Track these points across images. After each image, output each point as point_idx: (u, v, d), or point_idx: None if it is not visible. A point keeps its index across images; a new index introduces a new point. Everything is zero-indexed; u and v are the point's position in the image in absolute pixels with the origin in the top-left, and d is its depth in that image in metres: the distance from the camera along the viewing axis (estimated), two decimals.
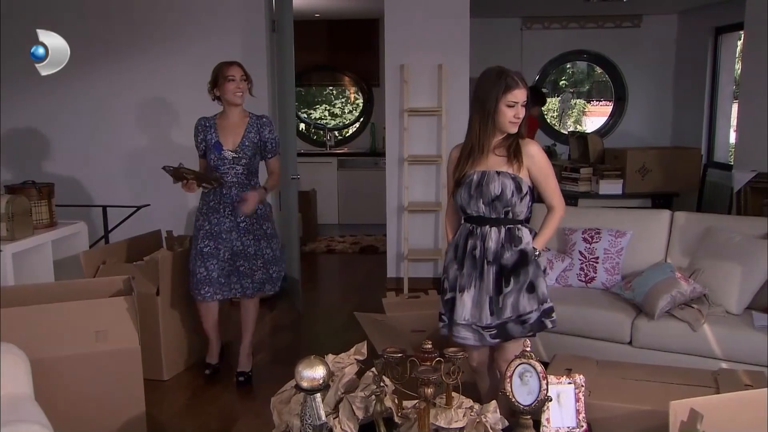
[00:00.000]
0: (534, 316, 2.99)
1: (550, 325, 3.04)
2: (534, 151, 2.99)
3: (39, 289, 3.58)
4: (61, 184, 4.84)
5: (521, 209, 2.99)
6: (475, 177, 2.98)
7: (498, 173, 2.95)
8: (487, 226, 2.99)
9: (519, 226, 3.01)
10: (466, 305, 3.01)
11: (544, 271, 3.09)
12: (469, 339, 3.02)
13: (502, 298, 2.96)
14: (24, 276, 4.14)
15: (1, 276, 3.88)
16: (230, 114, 4.00)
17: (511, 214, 2.98)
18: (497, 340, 3.02)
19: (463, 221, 3.10)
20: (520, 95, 2.91)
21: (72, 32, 5.85)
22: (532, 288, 2.99)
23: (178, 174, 3.78)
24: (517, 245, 2.98)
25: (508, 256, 2.97)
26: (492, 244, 2.98)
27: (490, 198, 2.94)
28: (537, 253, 3.00)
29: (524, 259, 2.98)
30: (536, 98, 6.62)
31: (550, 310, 3.04)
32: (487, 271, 2.98)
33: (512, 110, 2.91)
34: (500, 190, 2.93)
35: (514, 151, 2.96)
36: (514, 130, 2.96)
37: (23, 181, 4.48)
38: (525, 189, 2.97)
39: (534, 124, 6.54)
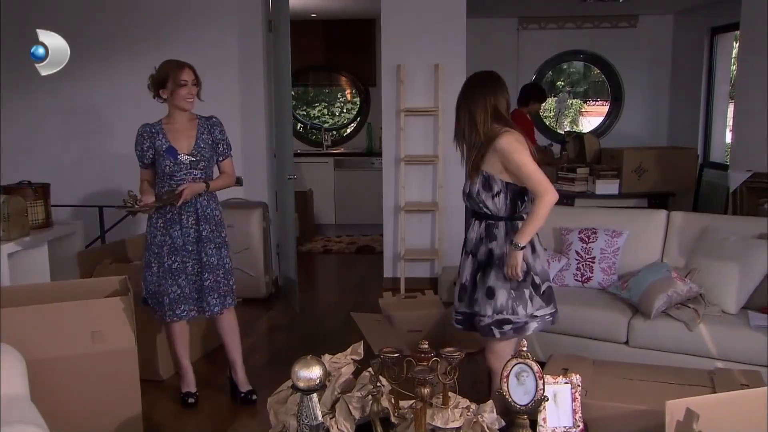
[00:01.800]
0: (486, 321, 3.04)
1: (497, 335, 3.04)
2: (499, 145, 2.95)
3: (35, 289, 3.57)
4: (57, 184, 4.83)
5: (496, 206, 3.02)
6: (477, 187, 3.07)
7: (475, 171, 3.02)
8: (473, 219, 3.13)
9: (498, 222, 3.03)
10: (457, 291, 3.19)
11: (534, 283, 3.04)
12: (457, 322, 3.21)
13: (477, 290, 3.06)
14: (20, 276, 4.14)
15: None
16: (178, 118, 3.65)
17: (487, 210, 3.03)
18: (460, 327, 3.18)
19: None
20: None
21: (66, 33, 5.87)
22: (491, 294, 3.02)
23: (142, 209, 3.47)
24: (490, 241, 3.04)
25: (482, 252, 3.06)
26: (473, 235, 3.11)
27: (464, 194, 3.10)
28: (520, 245, 2.94)
29: (490, 260, 3.03)
30: (533, 95, 6.50)
31: (504, 322, 3.02)
32: (465, 259, 3.13)
33: None
34: (468, 188, 3.05)
35: (487, 148, 2.99)
36: None
37: (19, 181, 4.47)
38: (496, 187, 3.00)
39: (528, 123, 6.35)
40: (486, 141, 3.00)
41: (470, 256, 3.12)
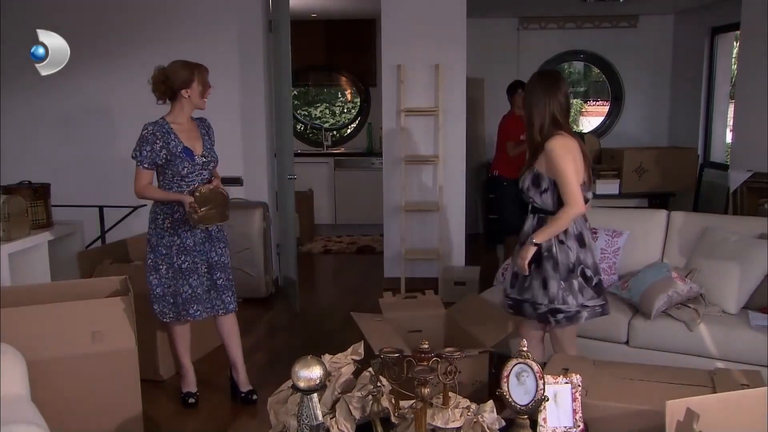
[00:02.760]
0: (542, 309, 3.26)
1: (553, 323, 3.29)
2: (549, 147, 3.17)
3: (35, 289, 3.57)
4: (58, 184, 4.83)
5: (544, 202, 3.23)
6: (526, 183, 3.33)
7: (528, 167, 3.27)
8: (528, 212, 3.33)
9: (548, 216, 3.23)
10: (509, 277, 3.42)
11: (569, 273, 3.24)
12: (508, 306, 3.43)
13: (529, 278, 3.25)
14: (20, 276, 4.14)
15: None
16: (185, 118, 3.66)
17: (537, 204, 3.26)
18: (511, 311, 3.43)
19: None
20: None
21: (66, 32, 5.87)
22: (545, 284, 3.24)
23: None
24: None
25: None
26: (527, 227, 3.30)
27: (519, 188, 3.33)
28: (535, 242, 3.19)
29: (539, 253, 3.22)
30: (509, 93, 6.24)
31: (557, 311, 3.25)
32: (519, 249, 3.29)
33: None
34: (521, 184, 3.30)
35: (540, 148, 3.22)
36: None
37: (19, 181, 4.47)
38: (544, 184, 3.21)
39: (518, 124, 5.90)
40: (541, 140, 3.21)
41: (521, 245, 3.32)
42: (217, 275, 3.71)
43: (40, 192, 4.39)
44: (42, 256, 4.39)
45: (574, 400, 2.65)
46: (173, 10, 5.87)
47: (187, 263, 3.64)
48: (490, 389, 3.49)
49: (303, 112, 10.04)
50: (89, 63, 5.80)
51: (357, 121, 9.76)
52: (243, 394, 3.88)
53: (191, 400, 3.88)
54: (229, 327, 3.85)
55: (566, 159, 3.14)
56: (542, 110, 3.21)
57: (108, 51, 5.89)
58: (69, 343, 3.14)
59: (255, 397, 3.86)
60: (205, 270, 3.69)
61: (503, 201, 6.10)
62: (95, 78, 5.94)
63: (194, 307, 3.67)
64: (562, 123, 3.23)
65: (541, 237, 3.18)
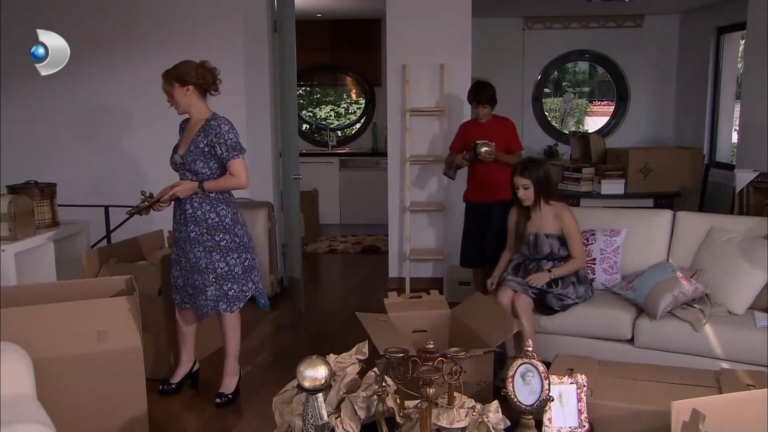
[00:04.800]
0: (569, 302, 4.03)
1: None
2: (565, 216, 4.09)
3: (41, 288, 3.58)
4: (63, 184, 4.84)
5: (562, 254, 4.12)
6: (531, 239, 4.12)
7: (547, 236, 4.07)
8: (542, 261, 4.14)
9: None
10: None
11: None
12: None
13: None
14: (26, 276, 4.15)
15: (3, 276, 3.88)
16: (191, 118, 3.76)
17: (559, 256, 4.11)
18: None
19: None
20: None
21: (72, 32, 5.87)
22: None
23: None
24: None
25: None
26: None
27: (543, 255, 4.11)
28: (552, 274, 3.99)
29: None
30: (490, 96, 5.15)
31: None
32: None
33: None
34: (549, 250, 4.08)
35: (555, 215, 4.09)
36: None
37: (25, 180, 4.48)
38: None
39: (511, 128, 5.23)
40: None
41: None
42: (195, 276, 3.71)
43: (46, 192, 4.40)
44: (48, 255, 4.40)
45: (579, 400, 2.65)
46: (178, 11, 5.88)
47: (175, 254, 3.83)
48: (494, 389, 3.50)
49: (308, 113, 10.04)
50: (95, 63, 5.82)
51: (362, 121, 9.77)
52: (218, 392, 3.89)
53: (161, 387, 3.93)
54: (223, 330, 3.87)
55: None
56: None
57: (112, 51, 5.90)
58: (74, 342, 3.15)
59: (219, 401, 3.82)
60: (188, 267, 3.73)
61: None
62: (101, 78, 5.95)
63: (177, 297, 3.84)
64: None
65: (556, 274, 4.00)
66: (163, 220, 5.15)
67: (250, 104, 5.99)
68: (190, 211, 3.66)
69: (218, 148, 3.60)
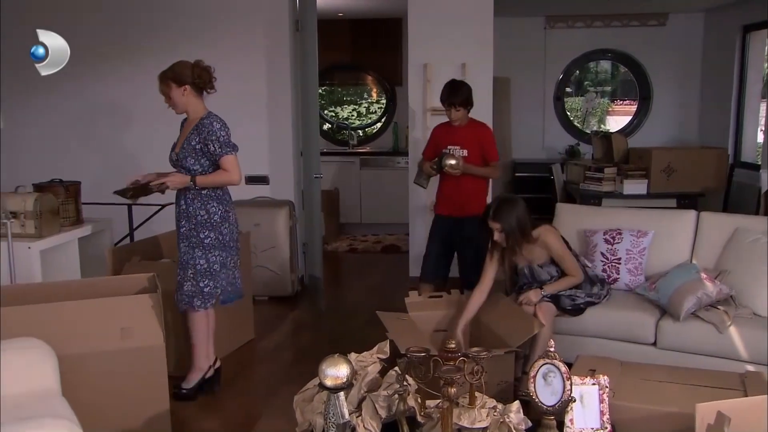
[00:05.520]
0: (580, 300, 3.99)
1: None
2: (550, 242, 3.90)
3: (66, 285, 3.62)
4: (88, 183, 4.89)
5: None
6: (526, 271, 3.99)
7: (540, 266, 3.94)
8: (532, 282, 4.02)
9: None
10: None
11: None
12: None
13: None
14: (51, 273, 4.20)
15: (28, 273, 3.92)
16: (188, 117, 3.85)
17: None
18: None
19: None
20: None
21: (95, 31, 5.97)
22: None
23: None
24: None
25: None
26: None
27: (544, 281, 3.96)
28: (544, 292, 3.84)
29: None
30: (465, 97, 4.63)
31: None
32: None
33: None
34: (549, 276, 3.94)
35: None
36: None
37: (50, 179, 4.53)
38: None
39: (487, 136, 4.77)
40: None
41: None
42: (178, 270, 3.81)
43: (70, 190, 4.44)
44: (72, 253, 4.45)
45: (601, 401, 2.63)
46: (200, 10, 5.92)
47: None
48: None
49: (330, 112, 10.07)
50: (115, 61, 5.87)
51: (383, 121, 9.77)
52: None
53: (175, 389, 3.82)
54: (189, 321, 3.88)
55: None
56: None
57: (135, 50, 5.94)
58: (98, 338, 3.17)
59: (175, 390, 3.76)
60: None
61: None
62: (123, 77, 6.00)
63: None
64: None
65: (550, 290, 3.88)
66: None
67: (271, 103, 6.01)
68: (183, 206, 3.76)
69: (211, 145, 3.66)
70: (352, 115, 10.15)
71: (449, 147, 4.57)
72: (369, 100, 10.16)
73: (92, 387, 3.12)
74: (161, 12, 5.95)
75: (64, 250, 4.38)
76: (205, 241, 3.73)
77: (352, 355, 2.65)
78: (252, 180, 5.98)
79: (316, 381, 2.46)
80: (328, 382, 2.26)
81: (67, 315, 3.15)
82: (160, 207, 5.24)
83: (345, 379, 2.27)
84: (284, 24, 5.92)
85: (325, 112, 9.92)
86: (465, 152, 4.56)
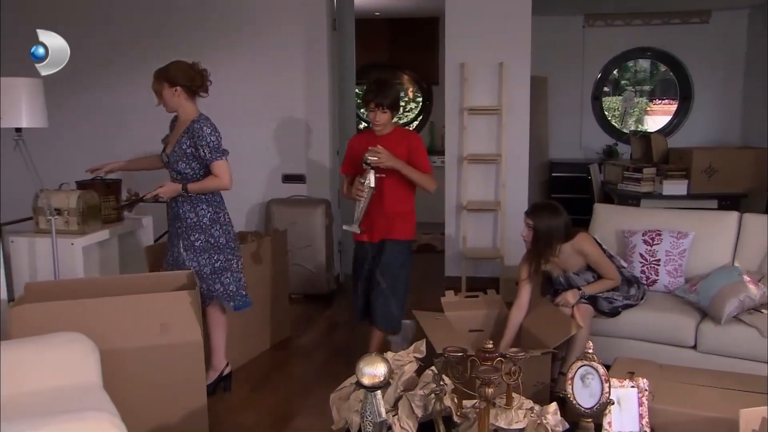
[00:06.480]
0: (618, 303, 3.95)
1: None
2: (587, 250, 3.85)
3: (107, 282, 3.69)
4: (128, 180, 4.97)
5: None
6: (561, 279, 3.96)
7: (576, 273, 3.91)
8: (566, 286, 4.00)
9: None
10: None
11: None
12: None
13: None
14: (92, 269, 4.27)
15: (71, 268, 3.99)
16: (179, 118, 3.84)
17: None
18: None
19: None
20: None
21: (136, 27, 6.06)
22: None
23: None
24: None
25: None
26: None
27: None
28: (582, 292, 3.83)
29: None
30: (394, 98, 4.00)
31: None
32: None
33: None
34: (585, 282, 3.91)
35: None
36: None
37: (92, 177, 4.60)
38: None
39: (417, 145, 4.05)
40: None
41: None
42: (173, 270, 3.85)
43: (112, 188, 4.51)
44: (112, 249, 4.53)
45: (640, 404, 2.59)
46: (238, 10, 5.97)
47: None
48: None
49: (365, 111, 10.08)
50: (156, 60, 5.93)
51: (419, 120, 9.76)
52: None
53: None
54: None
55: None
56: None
57: (174, 46, 5.98)
58: (138, 334, 3.22)
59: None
60: (170, 259, 3.90)
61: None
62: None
63: None
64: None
65: (590, 291, 3.86)
66: None
67: (309, 102, 6.04)
68: (175, 209, 3.80)
69: (201, 150, 3.64)
70: None
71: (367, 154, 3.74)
72: (404, 99, 10.16)
73: (131, 382, 3.16)
74: (201, 10, 6.02)
75: (105, 247, 4.46)
76: (195, 243, 3.75)
77: (389, 354, 2.65)
78: (288, 178, 6.02)
79: (352, 379, 2.47)
80: (366, 381, 2.26)
81: (108, 310, 3.20)
82: None
83: (382, 378, 2.27)
84: (322, 23, 5.95)
85: (361, 110, 9.94)
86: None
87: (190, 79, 3.70)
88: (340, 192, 4.29)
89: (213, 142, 3.65)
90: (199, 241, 3.75)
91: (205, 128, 3.65)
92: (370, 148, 3.74)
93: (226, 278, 3.81)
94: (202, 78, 3.76)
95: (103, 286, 3.52)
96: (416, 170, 3.92)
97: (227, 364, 4.01)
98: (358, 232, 3.83)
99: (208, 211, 3.76)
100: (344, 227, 3.75)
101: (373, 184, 3.72)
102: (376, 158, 3.69)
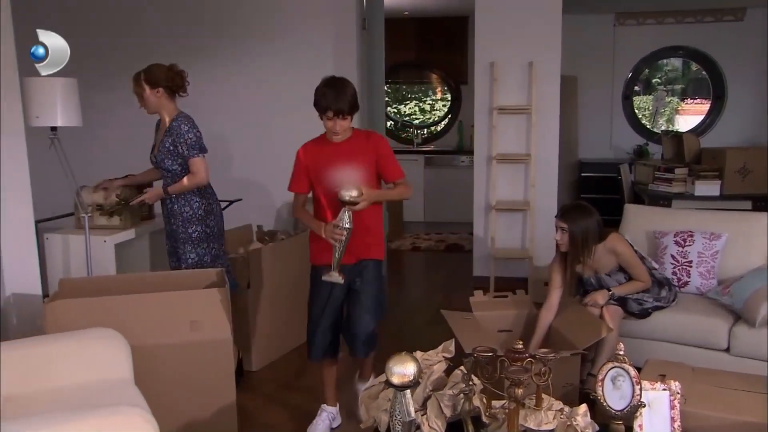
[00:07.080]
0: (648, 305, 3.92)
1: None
2: (620, 249, 3.82)
3: (139, 278, 3.73)
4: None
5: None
6: (593, 280, 3.93)
7: (608, 275, 3.89)
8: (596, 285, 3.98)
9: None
10: None
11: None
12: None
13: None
14: (123, 266, 4.32)
15: (104, 265, 4.05)
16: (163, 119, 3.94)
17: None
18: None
19: None
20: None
21: (170, 30, 6.11)
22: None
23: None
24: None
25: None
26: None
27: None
28: (612, 293, 3.82)
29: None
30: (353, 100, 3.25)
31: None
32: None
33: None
34: (616, 283, 3.89)
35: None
36: None
37: (125, 175, 4.66)
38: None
39: (384, 148, 3.47)
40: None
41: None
42: (172, 266, 4.01)
43: (143, 186, 4.56)
44: (143, 246, 4.58)
45: (672, 407, 2.57)
46: (267, 10, 6.00)
47: (168, 246, 4.10)
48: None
49: (392, 110, 10.09)
50: (188, 59, 5.98)
51: (447, 119, 9.74)
52: None
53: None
54: None
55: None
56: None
57: (203, 45, 6.05)
58: (168, 331, 3.25)
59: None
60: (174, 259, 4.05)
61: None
62: (193, 75, 6.10)
63: None
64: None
65: (619, 292, 3.85)
66: (251, 215, 5.29)
67: None
68: (170, 206, 3.91)
69: (179, 147, 3.79)
70: (415, 111, 10.15)
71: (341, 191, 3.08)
72: (433, 98, 10.15)
73: (162, 378, 3.20)
74: (230, 9, 6.06)
75: (136, 244, 4.51)
76: (193, 235, 3.89)
77: (418, 354, 2.65)
78: None
79: (382, 378, 2.47)
80: (395, 380, 2.26)
81: (140, 307, 3.24)
82: (228, 203, 5.34)
83: (412, 377, 2.27)
84: (351, 22, 5.95)
85: (388, 109, 9.94)
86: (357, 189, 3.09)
87: (171, 80, 3.84)
88: (291, 214, 4.13)
89: (190, 139, 3.80)
90: (197, 233, 3.90)
91: (183, 126, 3.80)
92: (344, 185, 3.07)
93: (220, 263, 3.98)
94: (182, 78, 3.89)
95: (135, 282, 3.56)
96: (393, 190, 3.50)
97: (238, 351, 4.07)
98: (341, 282, 3.21)
99: (203, 203, 3.91)
100: (324, 278, 3.21)
101: (349, 225, 3.09)
102: (355, 197, 3.05)
